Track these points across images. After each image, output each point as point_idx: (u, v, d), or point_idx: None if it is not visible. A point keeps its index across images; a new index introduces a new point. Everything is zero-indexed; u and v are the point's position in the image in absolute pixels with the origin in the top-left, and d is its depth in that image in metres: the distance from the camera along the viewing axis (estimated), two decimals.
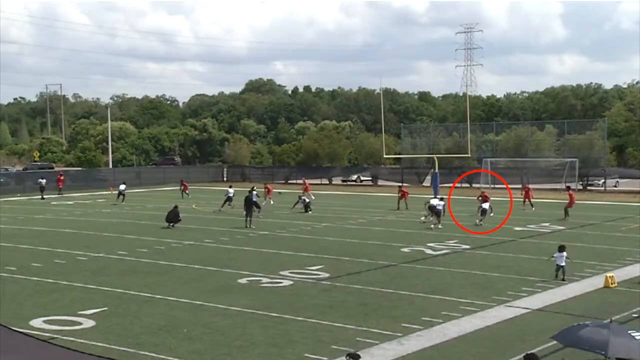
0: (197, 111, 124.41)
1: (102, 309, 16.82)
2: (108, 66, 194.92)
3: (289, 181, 69.08)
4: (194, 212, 40.18)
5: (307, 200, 40.93)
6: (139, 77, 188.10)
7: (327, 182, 70.95)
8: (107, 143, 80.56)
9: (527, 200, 42.82)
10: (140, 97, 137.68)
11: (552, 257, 20.74)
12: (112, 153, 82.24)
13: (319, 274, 21.21)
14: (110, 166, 78.53)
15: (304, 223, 34.61)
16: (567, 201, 37.45)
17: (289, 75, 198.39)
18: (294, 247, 26.60)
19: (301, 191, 42.54)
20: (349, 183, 69.21)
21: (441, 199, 34.78)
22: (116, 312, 16.62)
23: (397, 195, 43.66)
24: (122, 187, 48.38)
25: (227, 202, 41.06)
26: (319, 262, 23.28)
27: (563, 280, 20.02)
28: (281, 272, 21.40)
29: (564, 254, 20.43)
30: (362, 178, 70.02)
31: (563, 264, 20.26)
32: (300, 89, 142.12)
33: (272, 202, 43.80)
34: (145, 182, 67.39)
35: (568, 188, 41.50)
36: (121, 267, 22.82)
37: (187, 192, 52.62)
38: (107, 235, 30.29)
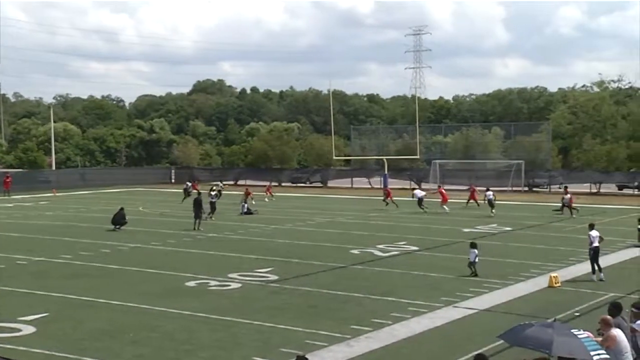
0: (145, 112, 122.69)
1: (43, 315, 16.43)
2: (50, 65, 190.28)
3: (239, 182, 68.72)
4: (141, 214, 39.62)
5: (247, 206, 40.30)
6: (83, 76, 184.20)
7: (277, 184, 70.87)
8: (50, 144, 78.79)
9: (472, 200, 43.45)
10: (85, 97, 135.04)
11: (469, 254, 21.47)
12: (56, 154, 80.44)
13: (268, 277, 21.14)
14: (54, 167, 76.81)
15: (253, 225, 34.46)
16: (568, 200, 39.16)
17: (237, 76, 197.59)
18: (243, 250, 26.46)
19: (248, 196, 42.22)
20: (298, 184, 69.21)
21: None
22: (58, 318, 16.25)
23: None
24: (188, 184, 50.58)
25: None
26: (268, 264, 23.20)
27: (475, 275, 20.91)
28: (229, 275, 21.26)
29: (476, 250, 21.29)
30: (311, 180, 70.13)
31: (474, 260, 21.18)
32: (249, 90, 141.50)
33: (254, 203, 43.72)
34: (90, 183, 66.15)
35: (565, 188, 42.70)
36: (64, 271, 22.34)
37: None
38: (50, 239, 29.62)
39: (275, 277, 21.01)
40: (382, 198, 45.17)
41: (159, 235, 30.67)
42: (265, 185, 53.97)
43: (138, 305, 17.38)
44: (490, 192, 40.88)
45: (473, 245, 21.60)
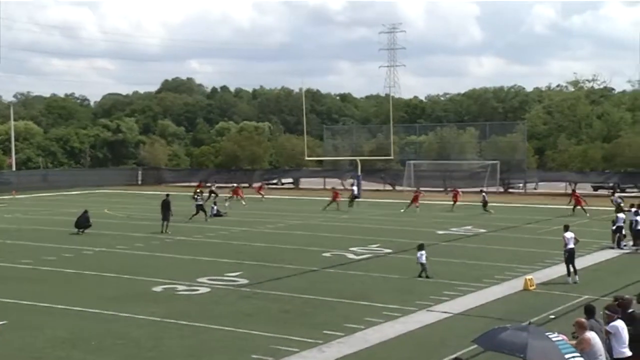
0: (110, 111, 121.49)
1: (2, 323, 16.18)
2: (7, 61, 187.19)
3: (208, 184, 68.33)
4: (106, 217, 39.26)
5: (217, 208, 40.11)
6: (43, 74, 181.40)
7: (247, 185, 70.66)
8: (10, 143, 77.64)
9: (455, 203, 43.75)
10: (47, 95, 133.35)
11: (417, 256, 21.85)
12: (16, 154, 79.28)
13: (238, 281, 21.07)
14: (14, 168, 75.72)
15: (223, 228, 34.34)
16: (574, 203, 40.20)
17: (206, 74, 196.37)
18: (212, 253, 26.36)
19: (227, 196, 42.19)
20: (270, 186, 69.08)
21: None
22: (17, 326, 16.01)
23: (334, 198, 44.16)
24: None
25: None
26: (238, 268, 23.12)
27: (427, 277, 21.32)
28: (198, 279, 21.15)
29: (424, 252, 21.81)
30: (283, 181, 70.11)
31: (423, 261, 21.65)
32: (219, 89, 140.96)
33: (244, 203, 45.79)
34: (52, 185, 65.36)
35: (573, 191, 43.41)
36: (25, 276, 22.03)
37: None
38: (10, 243, 29.20)
39: (245, 281, 20.95)
40: (348, 200, 45.70)
41: (125, 238, 30.40)
42: (232, 186, 53.52)
43: (102, 312, 17.21)
44: (484, 193, 43.90)
45: (420, 247, 22.09)
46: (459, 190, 45.08)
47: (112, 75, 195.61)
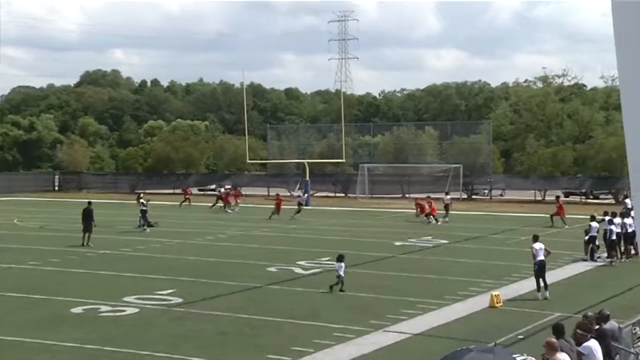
0: (20, 106, 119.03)
1: None
2: None
3: (136, 191, 67.53)
4: (17, 229, 38.43)
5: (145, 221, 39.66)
6: None
7: (181, 192, 70.04)
8: None
9: (421, 213, 43.80)
10: None
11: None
12: None
13: (170, 299, 20.85)
14: None
15: (154, 240, 33.97)
16: (556, 210, 40.43)
17: (132, 66, 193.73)
18: (141, 268, 26.04)
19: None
20: (207, 192, 68.64)
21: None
22: None
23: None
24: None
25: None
26: (170, 285, 22.89)
27: (341, 291, 21.68)
28: (124, 299, 20.85)
29: (343, 264, 22.17)
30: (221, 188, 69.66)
31: (341, 274, 22.04)
32: (149, 83, 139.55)
33: (237, 210, 47.99)
34: None
35: (557, 198, 43.68)
36: None
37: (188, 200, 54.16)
38: None
39: (178, 300, 20.74)
40: (297, 209, 45.85)
41: (38, 252, 29.81)
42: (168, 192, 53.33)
43: (11, 338, 16.81)
44: (449, 196, 45.08)
45: (340, 258, 22.41)
46: (431, 199, 44.44)
47: (22, 65, 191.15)
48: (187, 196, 55.02)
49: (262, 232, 37.84)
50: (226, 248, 31.80)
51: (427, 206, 43.28)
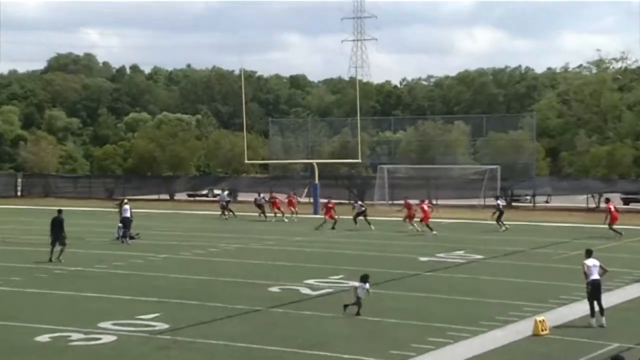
0: None
1: None
2: None
3: (114, 196, 67.72)
4: None
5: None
6: None
7: (168, 198, 70.14)
8: None
9: (407, 219, 43.86)
10: None
11: (355, 287, 22.20)
12: None
13: (154, 325, 20.83)
14: None
15: (135, 254, 34.01)
16: (607, 217, 40.73)
17: (109, 49, 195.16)
18: (120, 289, 26.04)
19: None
20: (197, 198, 68.75)
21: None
22: None
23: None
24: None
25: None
26: (154, 308, 22.87)
27: (358, 314, 21.63)
28: (100, 324, 20.83)
29: (367, 285, 21.92)
30: (216, 192, 69.78)
31: (361, 296, 21.86)
32: (128, 69, 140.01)
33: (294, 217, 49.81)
34: None
35: (607, 201, 43.94)
36: None
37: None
38: None
39: (164, 326, 20.71)
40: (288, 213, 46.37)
41: None
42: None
43: None
44: (500, 202, 46.05)
45: (364, 279, 22.21)
46: (425, 203, 44.64)
47: None
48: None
49: (263, 245, 37.78)
50: (220, 264, 31.76)
51: (416, 210, 43.69)
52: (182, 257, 33.64)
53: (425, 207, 43.37)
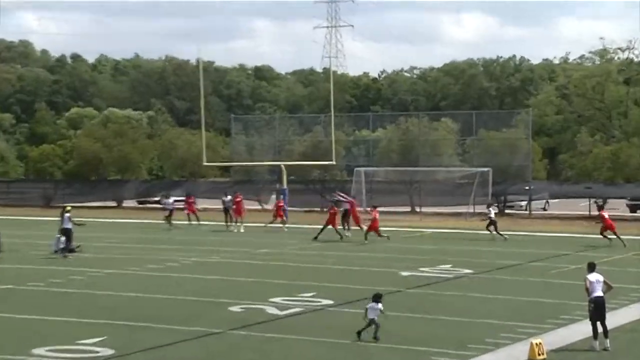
0: None
1: None
2: None
3: (53, 204, 67.27)
4: None
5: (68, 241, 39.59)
6: None
7: (116, 205, 69.82)
8: None
9: (372, 230, 44.13)
10: None
11: (366, 308, 21.89)
12: None
13: (98, 351, 20.70)
14: None
15: (76, 270, 33.83)
16: (601, 225, 41.63)
17: (48, 36, 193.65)
18: (58, 309, 25.89)
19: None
20: (149, 206, 68.42)
21: None
22: None
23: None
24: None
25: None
26: (99, 331, 22.72)
27: (375, 338, 21.43)
28: (34, 351, 20.67)
29: (380, 305, 21.78)
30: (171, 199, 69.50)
31: (375, 317, 21.65)
32: (68, 58, 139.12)
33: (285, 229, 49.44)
34: None
35: (600, 207, 44.81)
36: None
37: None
38: None
39: (109, 352, 20.59)
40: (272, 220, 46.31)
41: None
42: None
43: None
44: (492, 209, 46.63)
45: (376, 298, 22.07)
46: (376, 210, 45.10)
47: None
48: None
49: (223, 259, 37.68)
50: (175, 280, 31.65)
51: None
52: (131, 273, 33.45)
53: (377, 215, 44.16)
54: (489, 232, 45.14)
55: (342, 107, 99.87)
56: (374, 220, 43.56)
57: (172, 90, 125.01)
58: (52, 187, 72.65)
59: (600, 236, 42.03)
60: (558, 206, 63.80)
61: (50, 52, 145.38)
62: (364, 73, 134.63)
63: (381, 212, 47.57)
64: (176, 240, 45.73)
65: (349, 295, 28.11)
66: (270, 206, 59.74)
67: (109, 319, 24.31)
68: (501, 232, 44.91)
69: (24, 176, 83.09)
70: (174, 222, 51.47)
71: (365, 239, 43.29)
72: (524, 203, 63.63)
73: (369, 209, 49.11)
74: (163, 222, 51.39)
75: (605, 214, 42.65)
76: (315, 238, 44.50)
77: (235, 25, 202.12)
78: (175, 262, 36.50)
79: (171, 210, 52.00)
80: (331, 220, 45.22)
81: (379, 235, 43.50)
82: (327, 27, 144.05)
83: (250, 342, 21.96)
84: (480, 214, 50.11)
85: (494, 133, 68.05)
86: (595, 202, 60.03)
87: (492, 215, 46.16)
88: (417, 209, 63.28)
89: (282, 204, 50.86)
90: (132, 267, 34.70)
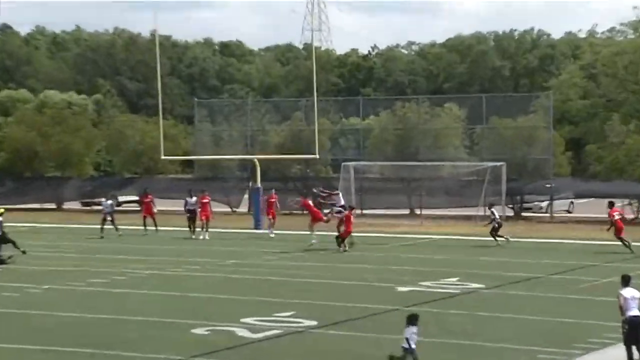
0: None
1: None
2: None
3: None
4: None
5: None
6: None
7: (55, 207, 69.62)
8: None
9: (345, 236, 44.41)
10: None
11: (406, 337, 21.51)
12: None
13: None
14: None
15: (7, 285, 33.81)
16: (609, 227, 42.52)
17: None
18: None
19: None
20: (95, 208, 68.23)
21: None
22: None
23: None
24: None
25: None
26: (37, 359, 22.57)
27: None
28: None
29: (415, 329, 21.21)
30: (119, 199, 69.42)
31: (414, 345, 20.99)
32: None
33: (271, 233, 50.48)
34: None
35: (611, 205, 44.88)
36: None
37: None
38: None
39: None
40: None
41: None
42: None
43: None
44: (494, 209, 47.30)
45: (412, 320, 21.45)
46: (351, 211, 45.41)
47: None
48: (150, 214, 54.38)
49: (185, 272, 37.60)
50: (127, 297, 31.62)
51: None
52: (73, 289, 33.34)
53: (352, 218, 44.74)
54: (499, 239, 45.40)
55: (326, 90, 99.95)
56: (347, 223, 43.66)
57: (123, 70, 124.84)
58: None
59: (619, 242, 42.25)
60: (584, 208, 63.91)
61: None
62: (353, 50, 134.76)
63: (374, 216, 47.66)
64: (128, 249, 45.58)
65: (336, 314, 28.08)
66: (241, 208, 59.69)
67: (48, 345, 24.20)
68: (503, 235, 45.62)
69: None
70: (106, 227, 51.10)
71: (339, 246, 43.70)
72: (544, 204, 63.76)
73: (359, 212, 49.14)
74: (110, 227, 51.10)
75: (616, 214, 42.77)
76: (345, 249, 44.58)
77: None
78: (127, 275, 36.44)
79: (108, 214, 51.32)
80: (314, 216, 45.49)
81: (340, 242, 43.73)
82: None
83: None
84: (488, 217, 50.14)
85: (508, 121, 68.15)
86: (629, 202, 60.40)
87: (497, 217, 46.38)
88: (417, 212, 63.30)
89: (273, 199, 51.23)
90: (75, 282, 34.58)
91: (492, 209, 47.40)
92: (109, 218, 51.10)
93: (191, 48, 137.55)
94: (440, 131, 69.17)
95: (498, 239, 45.59)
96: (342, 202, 46.79)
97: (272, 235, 49.81)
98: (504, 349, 23.87)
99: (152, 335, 25.44)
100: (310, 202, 46.79)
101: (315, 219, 45.31)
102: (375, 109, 78.67)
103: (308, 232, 46.00)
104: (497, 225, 46.00)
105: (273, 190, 53.68)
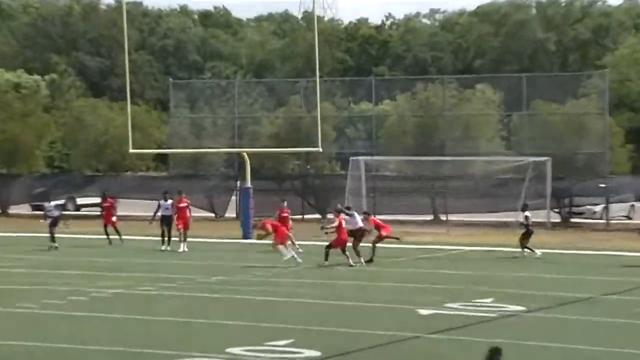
0: None
1: None
2: None
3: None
4: None
5: None
6: None
7: (0, 210, 69.88)
8: None
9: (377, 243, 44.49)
10: None
11: None
12: None
13: None
14: None
15: None
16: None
17: None
18: None
19: None
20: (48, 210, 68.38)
21: None
22: None
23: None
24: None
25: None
26: None
27: None
28: None
29: None
30: (79, 202, 69.60)
31: None
32: None
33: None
34: None
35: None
36: None
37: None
38: None
39: None
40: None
41: None
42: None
43: None
44: (528, 212, 47.41)
45: (494, 353, 21.00)
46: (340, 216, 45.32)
47: None
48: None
49: (159, 291, 37.60)
50: (89, 322, 31.61)
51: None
52: (22, 312, 33.34)
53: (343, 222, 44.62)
54: (525, 250, 45.56)
55: (331, 69, 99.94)
56: (340, 231, 43.80)
57: (82, 44, 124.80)
58: None
59: None
60: None
61: None
62: (363, 20, 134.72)
63: (390, 222, 47.61)
64: (89, 264, 45.59)
65: (343, 343, 28.04)
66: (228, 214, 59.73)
67: None
68: (530, 248, 46.07)
69: None
70: (55, 235, 51.20)
71: (326, 258, 43.98)
72: (598, 208, 63.79)
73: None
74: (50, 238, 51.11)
75: None
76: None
77: None
78: (88, 295, 36.43)
79: (54, 220, 51.32)
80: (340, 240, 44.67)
81: (326, 254, 43.96)
82: None
83: None
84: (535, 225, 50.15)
85: (554, 106, 68.17)
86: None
87: (530, 222, 46.46)
88: (442, 218, 63.34)
89: (286, 213, 50.64)
90: (25, 304, 34.57)
91: (527, 213, 47.34)
92: (50, 224, 50.99)
93: (165, 17, 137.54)
94: (470, 119, 69.20)
95: (525, 250, 45.61)
96: (360, 224, 45.87)
97: (300, 261, 45.09)
98: None
99: None
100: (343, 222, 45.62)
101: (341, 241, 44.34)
102: (390, 91, 78.76)
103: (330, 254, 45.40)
104: (529, 231, 46.05)
105: (285, 203, 52.81)
